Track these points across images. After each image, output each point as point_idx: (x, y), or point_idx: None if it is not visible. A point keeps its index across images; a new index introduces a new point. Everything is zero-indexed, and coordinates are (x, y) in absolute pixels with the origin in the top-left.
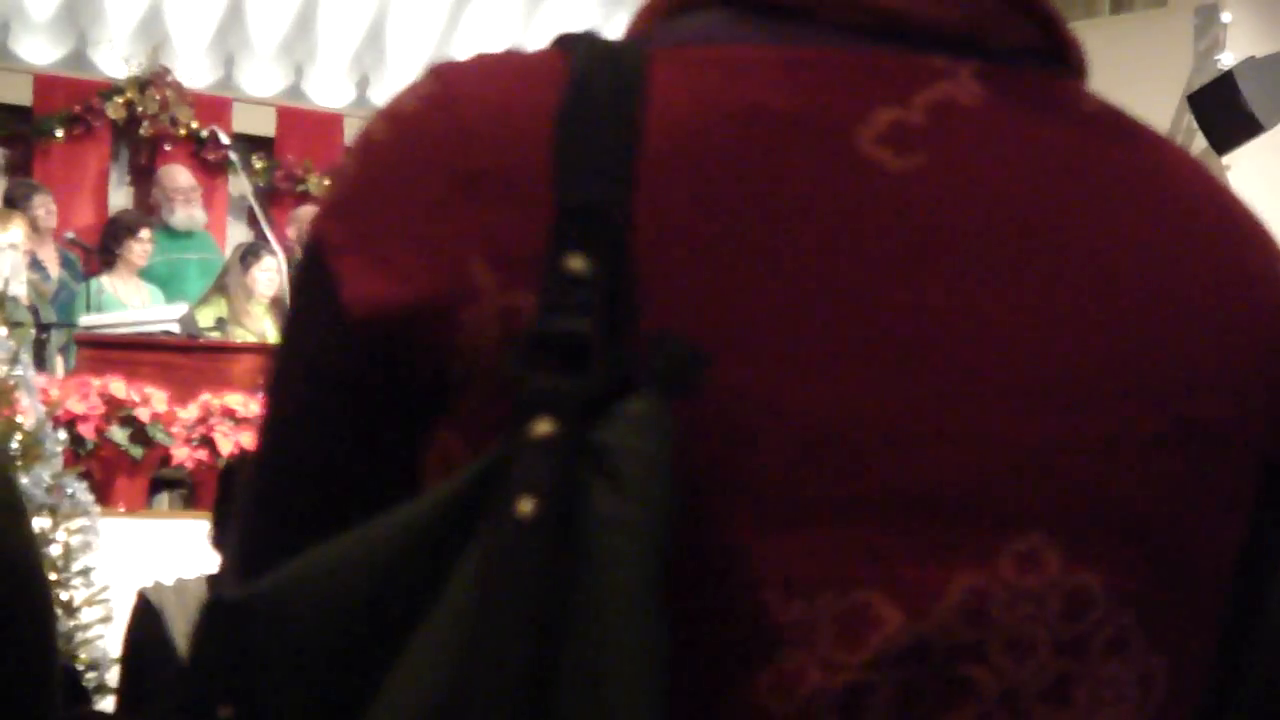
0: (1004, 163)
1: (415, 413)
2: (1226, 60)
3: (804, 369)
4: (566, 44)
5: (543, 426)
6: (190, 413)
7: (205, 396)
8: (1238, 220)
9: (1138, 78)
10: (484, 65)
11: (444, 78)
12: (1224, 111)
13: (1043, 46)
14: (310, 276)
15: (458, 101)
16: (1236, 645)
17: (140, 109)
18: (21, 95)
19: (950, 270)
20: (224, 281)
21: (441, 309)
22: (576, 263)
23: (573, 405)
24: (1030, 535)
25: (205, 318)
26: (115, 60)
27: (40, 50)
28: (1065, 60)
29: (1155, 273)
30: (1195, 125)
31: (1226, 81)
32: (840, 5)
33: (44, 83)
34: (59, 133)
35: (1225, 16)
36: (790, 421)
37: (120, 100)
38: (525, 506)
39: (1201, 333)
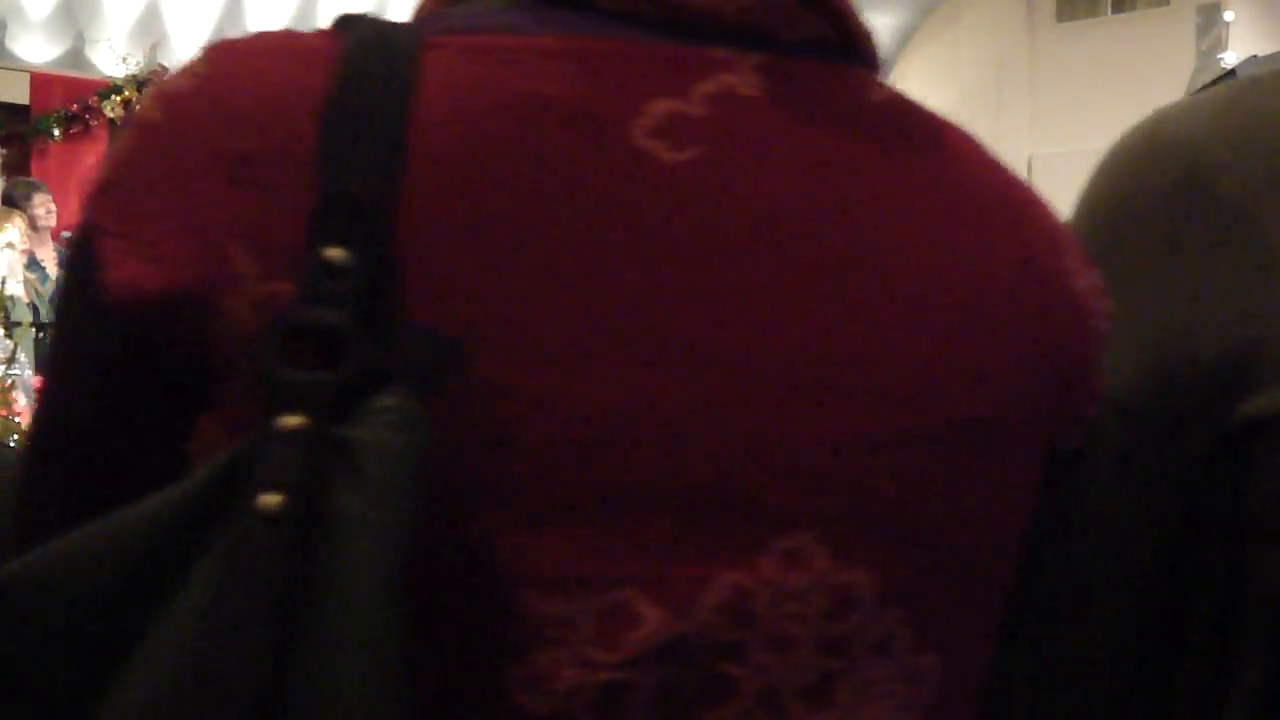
0: (784, 157)
1: (178, 400)
2: (1229, 59)
3: (569, 365)
4: (344, 27)
5: (291, 420)
6: None
7: None
8: (1026, 214)
9: (1140, 76)
10: (259, 45)
11: (217, 57)
12: None
13: (832, 39)
14: (76, 257)
15: (227, 82)
16: (1018, 628)
17: (138, 108)
18: (19, 94)
19: (723, 266)
20: None
21: (201, 296)
22: (335, 253)
23: (322, 399)
24: (797, 534)
25: None
26: (113, 59)
27: (38, 49)
28: (855, 52)
29: (934, 271)
30: None
31: (1229, 80)
32: None
33: (41, 81)
34: (56, 132)
35: (1228, 15)
36: (552, 417)
37: (118, 99)
38: (269, 501)
39: (981, 331)
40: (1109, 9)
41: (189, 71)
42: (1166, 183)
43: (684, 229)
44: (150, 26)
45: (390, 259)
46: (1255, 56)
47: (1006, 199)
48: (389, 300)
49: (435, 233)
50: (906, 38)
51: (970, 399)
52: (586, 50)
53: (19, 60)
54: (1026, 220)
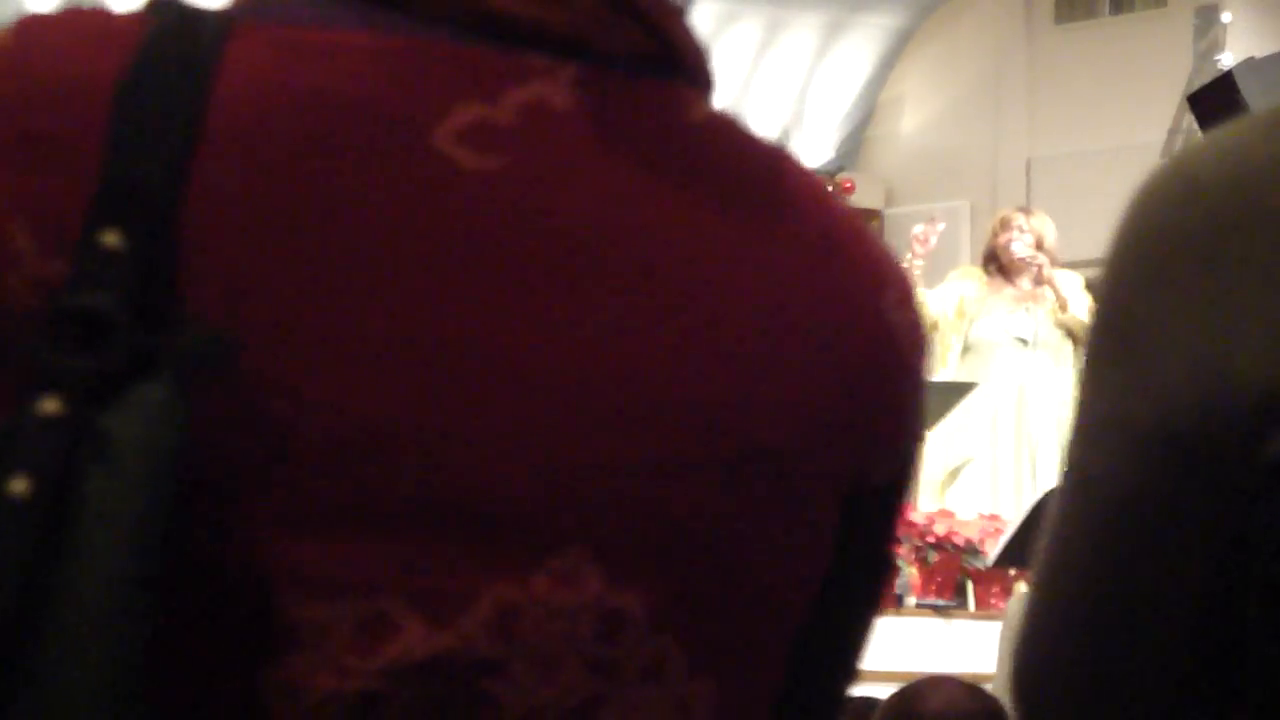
0: (588, 175)
1: None
2: (1226, 60)
3: (345, 366)
4: (155, 9)
5: (49, 405)
6: None
7: None
8: (839, 245)
9: (1138, 78)
10: (65, 23)
11: (23, 32)
12: (1224, 112)
13: (655, 53)
14: None
15: (28, 58)
16: (808, 663)
17: None
18: None
19: (518, 278)
20: None
21: None
22: (110, 238)
23: (82, 385)
24: (570, 553)
25: None
26: None
27: None
28: (680, 69)
29: (733, 298)
30: (1195, 125)
31: (1226, 82)
32: None
33: None
34: None
35: (1225, 17)
36: (326, 419)
37: None
38: (18, 486)
39: (778, 360)
40: (1107, 10)
41: None
42: (1201, 216)
43: (478, 239)
44: None
45: (169, 246)
46: (1253, 58)
47: (820, 230)
48: (163, 288)
49: (220, 224)
50: (905, 39)
51: (762, 429)
52: (396, 50)
53: None
54: (838, 252)
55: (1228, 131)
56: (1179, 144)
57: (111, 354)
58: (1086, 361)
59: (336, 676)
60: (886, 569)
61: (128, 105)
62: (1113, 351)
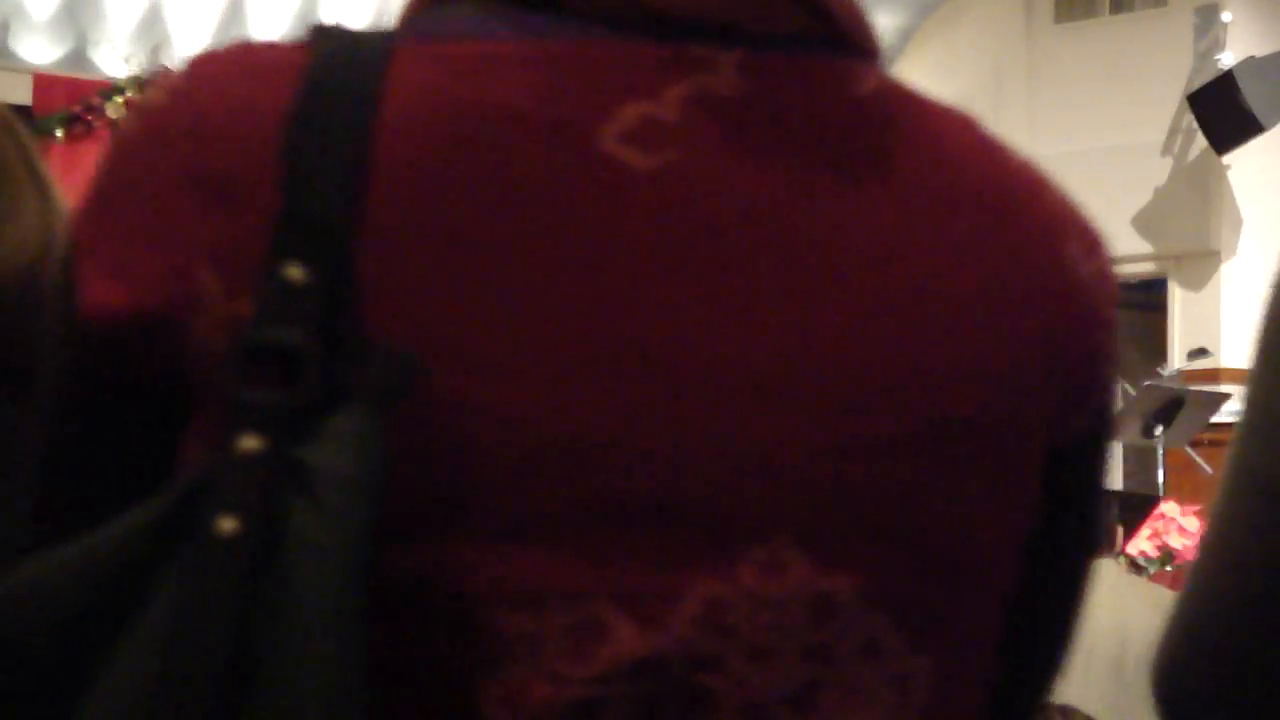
0: (760, 158)
1: (159, 419)
2: (1226, 60)
3: (533, 377)
4: (314, 38)
5: (248, 442)
6: None
7: None
8: (1020, 202)
9: (1138, 77)
10: (233, 59)
11: (194, 70)
12: (1224, 111)
13: (818, 30)
14: (64, 275)
15: (197, 98)
16: (1024, 629)
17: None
18: (21, 95)
19: (694, 274)
20: None
21: (170, 316)
22: (294, 271)
23: (279, 421)
24: (773, 542)
25: None
26: (115, 60)
27: (40, 50)
28: (843, 43)
29: (915, 269)
30: (1195, 125)
31: (1226, 81)
32: None
33: (44, 82)
34: (59, 132)
35: (1225, 16)
36: (516, 431)
37: (121, 100)
38: (225, 525)
39: (966, 328)
40: (1107, 10)
41: (167, 85)
42: None
43: (653, 238)
44: (153, 27)
45: (349, 276)
46: (1253, 58)
47: (1001, 188)
48: (348, 318)
49: (397, 248)
50: (905, 38)
51: (955, 398)
52: (556, 55)
53: (21, 61)
54: (1017, 209)
55: None
56: (1179, 144)
57: (306, 388)
58: (1260, 357)
59: (553, 685)
60: (1096, 527)
61: (297, 138)
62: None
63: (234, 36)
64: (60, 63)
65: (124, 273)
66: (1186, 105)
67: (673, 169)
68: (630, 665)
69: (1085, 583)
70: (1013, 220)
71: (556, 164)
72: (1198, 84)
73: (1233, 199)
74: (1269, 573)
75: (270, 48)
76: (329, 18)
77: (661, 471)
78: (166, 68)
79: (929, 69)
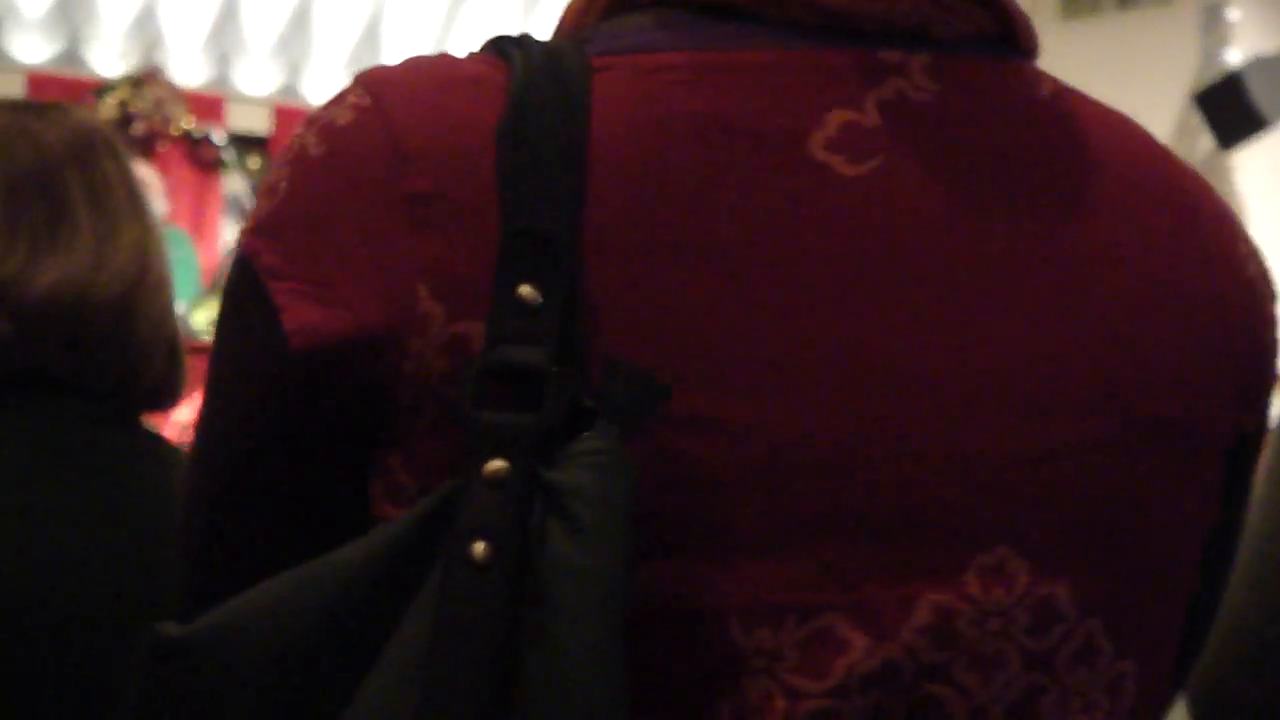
0: (960, 161)
1: (361, 443)
2: (1233, 58)
3: (759, 390)
4: (502, 51)
5: (495, 465)
6: (183, 414)
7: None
8: (1198, 202)
9: (1143, 75)
10: (418, 75)
11: (377, 88)
12: (1230, 109)
13: (993, 31)
14: (247, 300)
15: (393, 116)
16: (1200, 623)
17: (133, 107)
18: (14, 93)
19: (908, 280)
20: (219, 283)
21: (387, 340)
22: (526, 290)
23: (526, 443)
24: (996, 549)
25: (199, 319)
26: (109, 58)
27: (33, 48)
28: (1016, 43)
29: (1113, 270)
30: (1201, 122)
31: (1233, 79)
32: (784, 3)
33: (37, 81)
34: None
35: (1232, 14)
36: (749, 445)
37: (113, 99)
38: (479, 549)
39: (1159, 329)
40: (1113, 6)
41: (345, 103)
42: None
43: (868, 245)
44: (146, 26)
45: (580, 293)
46: (1260, 56)
47: (1178, 189)
48: (581, 335)
49: (621, 263)
50: None
51: (1155, 398)
52: (757, 63)
53: (14, 60)
54: (1200, 209)
55: None
56: (1185, 142)
57: (551, 409)
58: None
59: (790, 699)
60: (1244, 521)
61: (513, 156)
62: None
63: (227, 35)
64: (53, 61)
65: (335, 297)
66: (1192, 103)
67: (880, 175)
68: (864, 676)
69: (1227, 582)
70: (1197, 221)
71: (772, 173)
72: (1204, 82)
73: (1239, 197)
74: None
75: (458, 62)
76: (323, 17)
77: (890, 483)
78: (160, 67)
79: None
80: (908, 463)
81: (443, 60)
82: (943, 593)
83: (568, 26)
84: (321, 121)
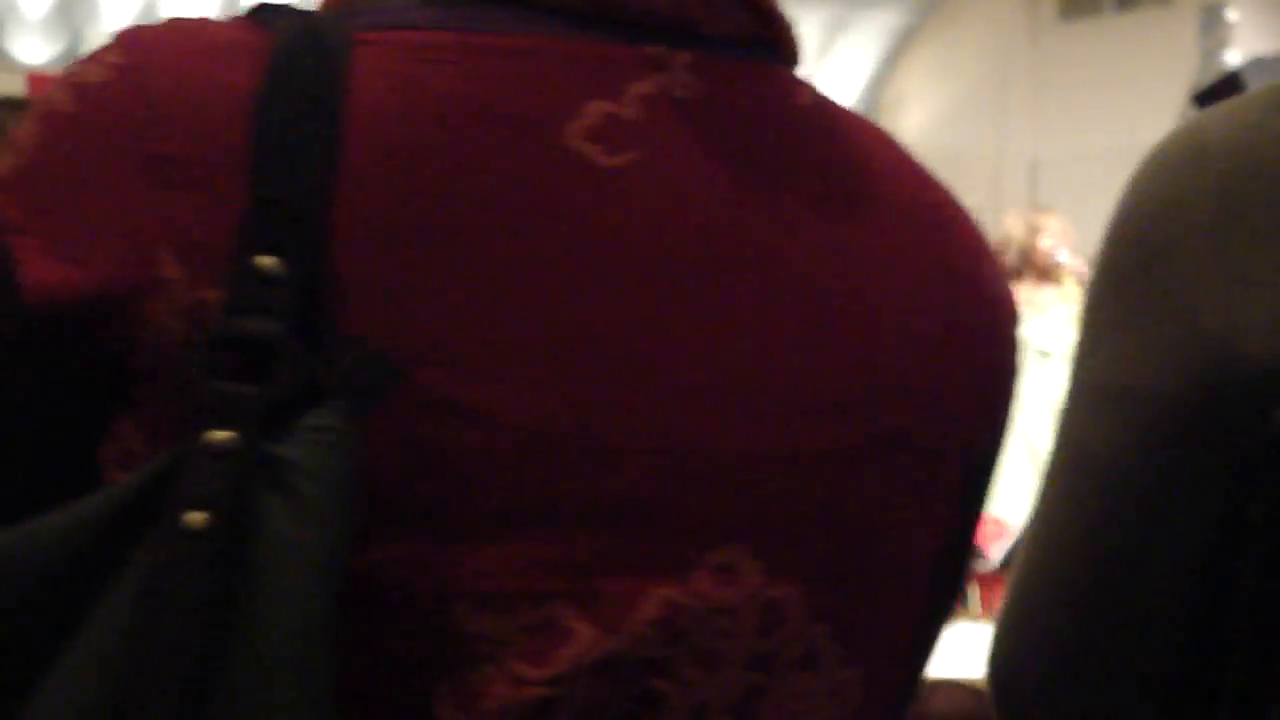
0: (716, 164)
1: (96, 403)
2: (1232, 59)
3: (502, 376)
4: (265, 18)
5: (219, 435)
6: None
7: None
8: (946, 220)
9: (1143, 76)
10: (178, 36)
11: (134, 47)
12: None
13: (757, 35)
14: None
15: (148, 76)
16: (928, 637)
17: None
18: (14, 93)
19: (658, 275)
20: None
21: (126, 300)
22: (267, 261)
23: (252, 415)
24: (730, 548)
25: None
26: None
27: (34, 49)
28: (778, 49)
29: (860, 281)
30: None
31: (1232, 80)
32: None
33: (37, 81)
34: None
35: (1231, 15)
36: (486, 431)
37: None
38: (195, 519)
39: (907, 341)
40: (1113, 8)
41: (102, 60)
42: (1211, 184)
43: (620, 236)
44: None
45: (323, 268)
46: (1259, 57)
47: (930, 205)
48: (324, 311)
49: (369, 240)
50: (908, 37)
51: (898, 409)
52: (522, 48)
53: (15, 60)
54: (947, 227)
55: (1237, 103)
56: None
57: (281, 382)
58: (1083, 330)
59: (511, 686)
60: (973, 542)
61: (267, 124)
62: (1114, 319)
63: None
64: (55, 61)
65: (76, 254)
66: (1192, 104)
67: (635, 168)
68: (587, 667)
69: (955, 600)
70: (943, 237)
71: (526, 159)
72: (1203, 83)
73: None
74: (1089, 552)
75: (219, 26)
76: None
77: (626, 474)
78: None
79: (931, 68)
80: (647, 456)
81: (203, 23)
82: (672, 588)
83: (333, 2)
84: (75, 78)
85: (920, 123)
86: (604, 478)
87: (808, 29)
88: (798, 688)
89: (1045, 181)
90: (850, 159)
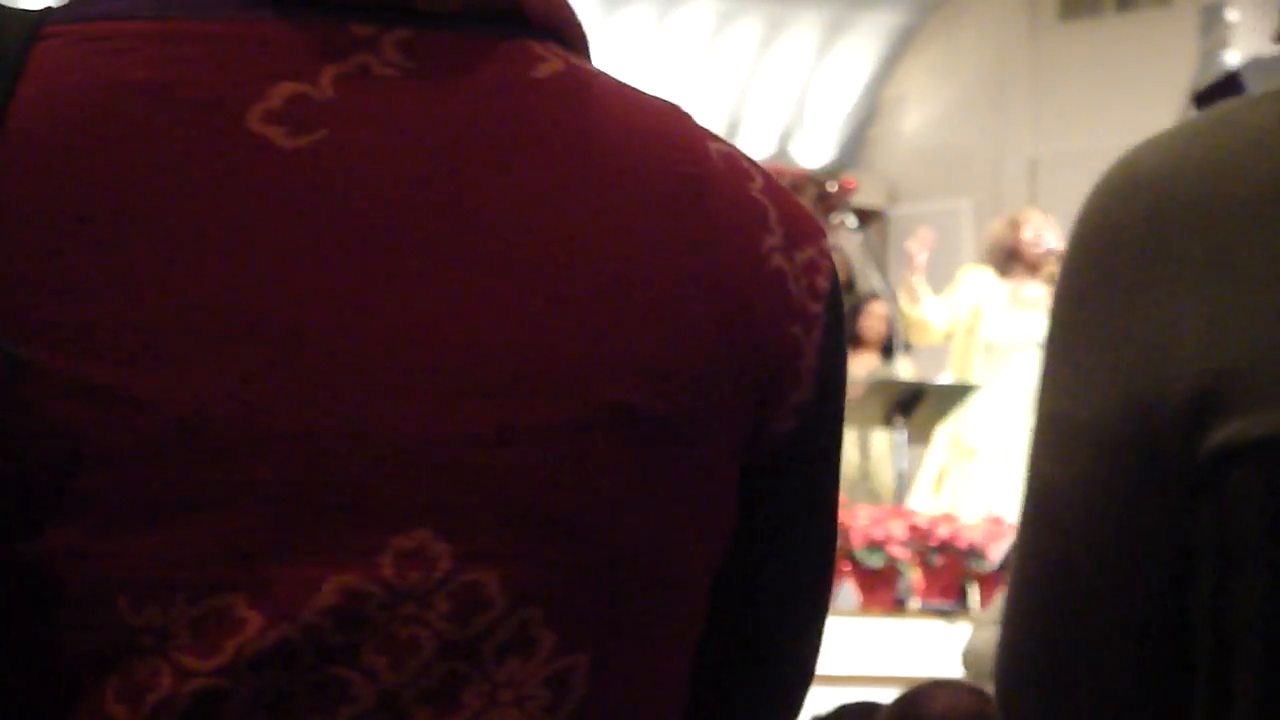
0: (417, 139)
1: None
2: (1232, 59)
3: (166, 361)
4: None
5: None
6: None
7: None
8: (707, 194)
9: (1142, 76)
10: None
11: None
12: None
13: (497, 8)
14: None
15: None
16: (724, 654)
17: None
18: None
19: (341, 255)
20: None
21: None
22: None
23: None
24: (416, 532)
25: None
26: None
27: None
28: (527, 21)
29: (581, 252)
30: None
31: (1232, 81)
32: None
33: None
34: None
35: (1231, 16)
36: (136, 414)
37: None
38: None
39: (643, 318)
40: (1112, 8)
41: None
42: (1140, 212)
43: (298, 216)
44: None
45: None
46: (1258, 57)
47: (690, 178)
48: None
49: (23, 229)
50: (907, 36)
51: (625, 388)
52: (209, 34)
53: None
54: (709, 200)
55: (1173, 130)
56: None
57: None
58: (1042, 358)
59: (176, 678)
60: (820, 543)
61: None
62: (1061, 350)
63: None
64: None
65: None
66: (1192, 104)
67: (321, 148)
68: (255, 655)
69: (815, 607)
70: (702, 212)
71: (200, 143)
72: (1203, 83)
73: None
74: (1052, 583)
75: None
76: None
77: (299, 457)
78: None
79: (931, 68)
80: (324, 440)
81: None
82: (352, 574)
83: None
84: None
85: (920, 123)
86: (279, 462)
87: (807, 29)
88: (506, 675)
89: (1045, 181)
90: (598, 133)
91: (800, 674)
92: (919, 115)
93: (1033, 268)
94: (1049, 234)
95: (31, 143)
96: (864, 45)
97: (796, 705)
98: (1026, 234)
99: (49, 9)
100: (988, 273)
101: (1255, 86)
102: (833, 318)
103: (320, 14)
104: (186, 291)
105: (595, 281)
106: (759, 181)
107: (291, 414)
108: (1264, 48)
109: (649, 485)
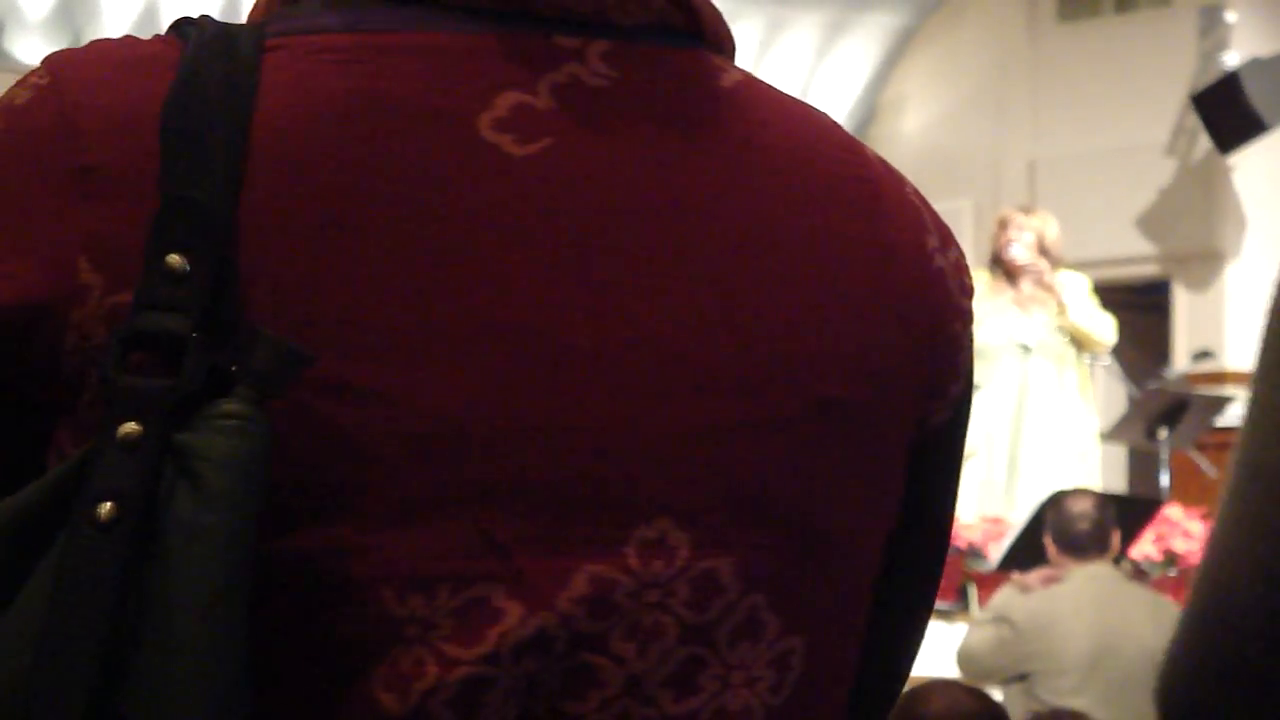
0: (632, 148)
1: (37, 412)
2: (1230, 60)
3: (419, 362)
4: (182, 31)
5: (128, 428)
6: None
7: None
8: (882, 197)
9: (1142, 77)
10: (98, 55)
11: (55, 67)
12: (1228, 111)
13: (677, 22)
14: None
15: (66, 94)
16: (882, 622)
17: None
18: None
19: (575, 258)
20: None
21: (50, 311)
22: (174, 259)
23: (159, 407)
24: (658, 522)
25: None
26: None
27: (36, 50)
28: (702, 35)
29: (792, 256)
30: (1199, 125)
31: (1230, 81)
32: None
33: None
34: None
35: (1229, 16)
36: (402, 415)
37: None
38: (104, 510)
39: (836, 314)
40: (1111, 9)
41: (27, 83)
42: None
43: (534, 221)
44: (148, 28)
45: (231, 263)
46: (1257, 58)
47: (860, 179)
48: (230, 305)
49: (278, 235)
50: (907, 38)
51: (828, 382)
52: (430, 45)
53: (17, 61)
54: (879, 201)
55: None
56: (1183, 144)
57: (187, 375)
58: (1263, 356)
59: (441, 666)
60: (948, 522)
61: (175, 130)
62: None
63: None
64: None
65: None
66: (1191, 106)
67: (548, 155)
68: (516, 644)
69: (934, 583)
70: (880, 213)
71: (437, 151)
72: (1202, 84)
73: (1237, 200)
74: (1275, 573)
75: (135, 42)
76: None
77: (552, 453)
78: None
79: (931, 69)
80: (570, 435)
81: (125, 41)
82: (601, 564)
83: (261, 10)
84: (4, 101)
85: (920, 123)
86: (526, 458)
87: (806, 30)
88: (738, 657)
89: (1044, 181)
90: (770, 137)
91: (910, 657)
92: (919, 116)
93: (1011, 274)
94: (1021, 239)
95: (280, 151)
96: (863, 46)
97: (898, 690)
98: (1001, 240)
99: (263, 21)
100: (981, 275)
101: (1254, 88)
102: (973, 315)
103: (528, 27)
104: (435, 292)
105: (801, 283)
106: (909, 185)
107: (542, 411)
108: (1264, 48)
109: (847, 475)
